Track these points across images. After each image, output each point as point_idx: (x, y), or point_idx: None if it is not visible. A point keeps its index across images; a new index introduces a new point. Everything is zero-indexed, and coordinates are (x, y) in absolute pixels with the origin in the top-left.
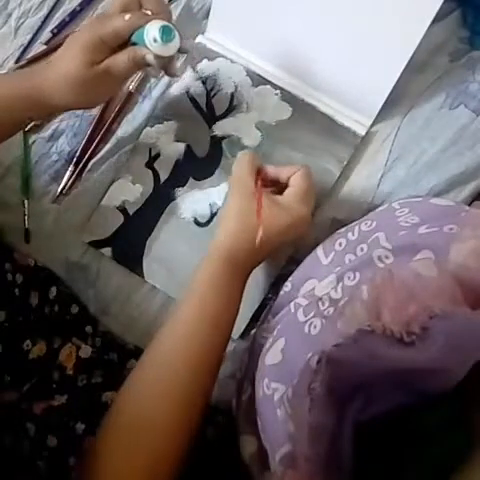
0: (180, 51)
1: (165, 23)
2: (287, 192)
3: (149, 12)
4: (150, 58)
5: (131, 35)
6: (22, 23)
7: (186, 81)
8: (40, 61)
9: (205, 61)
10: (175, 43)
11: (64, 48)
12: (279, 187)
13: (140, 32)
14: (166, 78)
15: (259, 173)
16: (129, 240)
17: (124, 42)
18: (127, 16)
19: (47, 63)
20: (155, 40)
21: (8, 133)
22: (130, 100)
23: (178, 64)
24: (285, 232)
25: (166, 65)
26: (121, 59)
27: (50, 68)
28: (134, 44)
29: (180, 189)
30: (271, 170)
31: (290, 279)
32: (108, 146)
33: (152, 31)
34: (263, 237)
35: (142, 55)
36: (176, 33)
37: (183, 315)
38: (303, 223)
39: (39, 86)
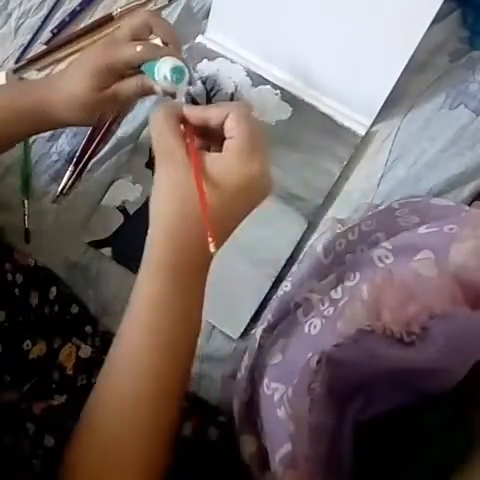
0: (189, 84)
1: (177, 63)
2: (226, 147)
3: (159, 40)
4: (158, 90)
5: (141, 64)
6: (22, 23)
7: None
8: (40, 61)
9: (205, 61)
10: (184, 82)
11: (71, 69)
12: (213, 134)
13: (151, 65)
14: None
15: (185, 125)
16: (129, 240)
17: (133, 68)
18: (139, 47)
19: (49, 79)
20: (165, 78)
21: (2, 147)
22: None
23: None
24: (241, 204)
25: (171, 94)
26: (129, 86)
27: (55, 87)
28: (142, 71)
29: None
30: (198, 115)
31: (290, 279)
32: (108, 146)
33: (163, 69)
34: (215, 227)
35: (150, 85)
36: (186, 73)
37: (126, 343)
38: (261, 181)
39: (40, 102)
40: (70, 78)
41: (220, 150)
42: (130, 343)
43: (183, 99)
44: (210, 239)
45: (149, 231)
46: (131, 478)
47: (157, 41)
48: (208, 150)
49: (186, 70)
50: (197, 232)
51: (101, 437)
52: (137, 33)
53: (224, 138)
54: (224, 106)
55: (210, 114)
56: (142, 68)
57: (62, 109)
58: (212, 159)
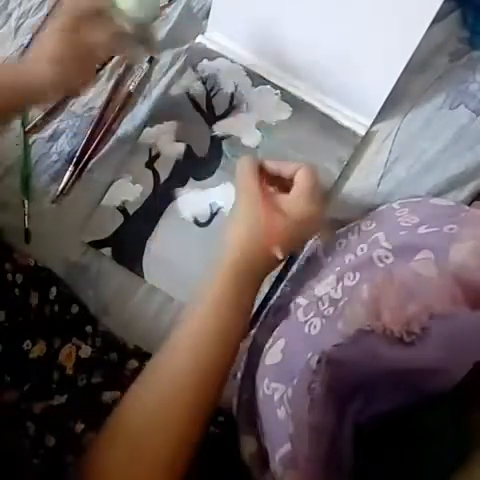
0: (154, 18)
1: None
2: (293, 191)
3: None
4: (126, 26)
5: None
6: (22, 23)
7: (186, 81)
8: None
9: (205, 61)
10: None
11: (44, 32)
12: (284, 183)
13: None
14: (166, 78)
15: (261, 173)
16: (129, 240)
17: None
18: None
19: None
20: (126, 2)
21: None
22: (130, 100)
23: (156, 39)
24: (297, 234)
25: (144, 38)
26: (98, 32)
27: (31, 51)
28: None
29: (180, 189)
30: (273, 167)
31: (290, 279)
32: (108, 146)
33: None
34: (276, 245)
35: (119, 25)
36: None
37: (192, 329)
38: (313, 221)
39: (21, 71)
40: (42, 39)
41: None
42: (188, 332)
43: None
44: (276, 247)
45: (223, 252)
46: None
47: None
48: None
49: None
50: (262, 245)
51: (130, 433)
52: None
53: (290, 182)
54: (297, 163)
55: (285, 167)
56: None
57: (35, 69)
58: (283, 197)
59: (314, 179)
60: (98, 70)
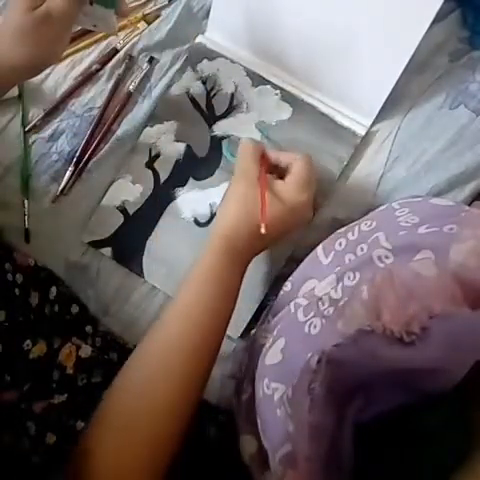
0: None
1: None
2: (287, 179)
3: None
4: None
5: None
6: None
7: (186, 81)
8: None
9: (205, 61)
10: None
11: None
12: (280, 171)
13: None
14: (166, 78)
15: (262, 158)
16: (129, 240)
17: None
18: None
19: None
20: None
21: None
22: (130, 100)
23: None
24: (287, 220)
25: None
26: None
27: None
28: None
29: (180, 189)
30: (273, 155)
31: (290, 279)
32: (108, 146)
33: None
34: (267, 224)
35: None
36: None
37: (182, 302)
38: (304, 210)
39: None
40: (8, 12)
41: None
42: (178, 305)
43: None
44: (263, 224)
45: (215, 227)
46: (145, 458)
47: None
48: None
49: None
50: (254, 226)
51: (123, 413)
52: None
53: (285, 175)
54: (295, 153)
55: (283, 156)
56: None
57: (3, 44)
58: (277, 182)
59: (309, 170)
60: (98, 70)
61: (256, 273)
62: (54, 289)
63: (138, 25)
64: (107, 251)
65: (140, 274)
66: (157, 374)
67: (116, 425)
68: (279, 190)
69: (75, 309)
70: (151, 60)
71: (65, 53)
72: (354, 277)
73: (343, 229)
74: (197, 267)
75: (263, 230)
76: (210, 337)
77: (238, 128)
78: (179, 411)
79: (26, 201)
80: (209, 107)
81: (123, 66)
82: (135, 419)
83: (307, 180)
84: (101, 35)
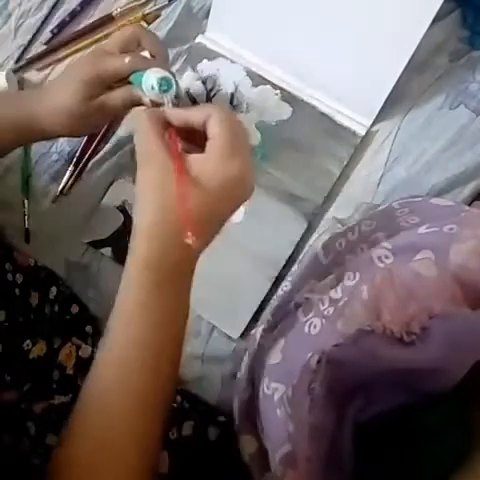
0: (175, 97)
1: (164, 74)
2: (207, 149)
3: (147, 53)
4: (146, 101)
5: (129, 74)
6: (22, 23)
7: (186, 81)
8: (40, 61)
9: (205, 61)
10: (171, 92)
11: (60, 78)
12: (195, 135)
13: (139, 76)
14: None
15: (170, 128)
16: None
17: (121, 79)
18: (127, 59)
19: (40, 90)
20: (152, 88)
21: None
22: None
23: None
24: (221, 209)
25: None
26: (117, 97)
27: (44, 97)
28: (130, 82)
29: None
30: (180, 119)
31: (290, 279)
32: (108, 146)
33: (150, 80)
34: (195, 223)
35: (139, 97)
36: (173, 84)
37: (112, 351)
38: (241, 182)
39: (30, 115)
40: (59, 89)
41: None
42: (109, 353)
43: (170, 105)
44: (189, 233)
45: (132, 231)
46: (121, 476)
47: (145, 54)
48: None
49: (173, 81)
50: (178, 230)
51: (90, 436)
52: (125, 45)
53: (206, 140)
54: (206, 107)
55: (192, 116)
56: (130, 79)
57: (51, 120)
58: (194, 160)
59: (230, 125)
60: None
61: (256, 273)
62: (54, 289)
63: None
64: (107, 251)
65: None
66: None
67: (86, 441)
68: (201, 171)
69: (75, 309)
70: None
71: (65, 53)
72: (354, 277)
73: (343, 229)
74: (120, 305)
75: (189, 241)
76: (154, 381)
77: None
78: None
79: (26, 201)
80: None
81: None
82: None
83: (231, 140)
84: (101, 35)
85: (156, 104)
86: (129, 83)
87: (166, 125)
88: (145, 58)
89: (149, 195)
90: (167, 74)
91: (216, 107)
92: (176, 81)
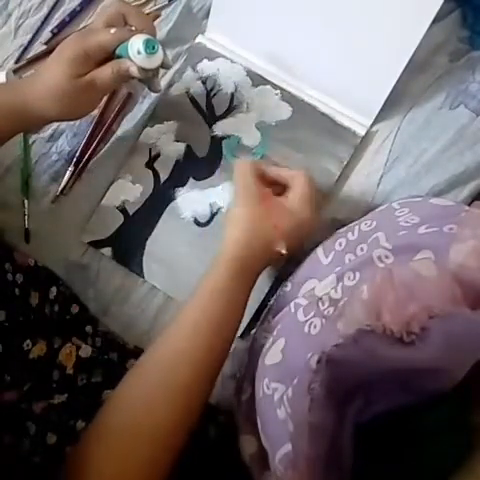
0: (163, 66)
1: (149, 36)
2: (290, 195)
3: (133, 28)
4: (134, 70)
5: (115, 49)
6: (22, 23)
7: (186, 81)
8: (40, 61)
9: (205, 61)
10: (158, 56)
11: (49, 60)
12: (279, 188)
13: (124, 45)
14: (166, 78)
15: (261, 176)
16: (129, 240)
17: (109, 56)
18: (112, 30)
19: (32, 75)
20: (139, 52)
21: None
22: (130, 100)
23: (161, 80)
24: (293, 235)
25: (149, 80)
26: (106, 72)
27: (35, 80)
28: (119, 58)
29: (180, 189)
30: (273, 171)
31: (290, 279)
32: (108, 146)
33: (136, 44)
34: (282, 240)
35: (126, 67)
36: (159, 46)
37: (187, 320)
38: (308, 225)
39: (23, 98)
40: (49, 69)
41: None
42: (183, 322)
43: (160, 79)
44: (281, 241)
45: (222, 248)
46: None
47: (127, 26)
48: None
49: (158, 43)
50: (264, 244)
51: (123, 422)
52: (111, 21)
53: (285, 187)
54: (293, 170)
55: (282, 177)
56: (117, 52)
57: (43, 103)
58: (280, 199)
59: (311, 186)
60: None
61: None
62: (54, 289)
63: None
64: (107, 251)
65: (140, 274)
66: (155, 399)
67: (118, 432)
68: (287, 204)
69: (75, 309)
70: None
71: None
72: (354, 277)
73: (343, 229)
74: (202, 289)
75: (283, 251)
76: (212, 360)
77: (238, 128)
78: (175, 435)
79: (26, 201)
80: (209, 107)
81: None
82: (129, 442)
83: (310, 195)
84: None
85: (144, 70)
86: (117, 57)
87: (260, 174)
88: (130, 29)
89: (244, 220)
90: (151, 37)
91: (302, 170)
92: (162, 47)
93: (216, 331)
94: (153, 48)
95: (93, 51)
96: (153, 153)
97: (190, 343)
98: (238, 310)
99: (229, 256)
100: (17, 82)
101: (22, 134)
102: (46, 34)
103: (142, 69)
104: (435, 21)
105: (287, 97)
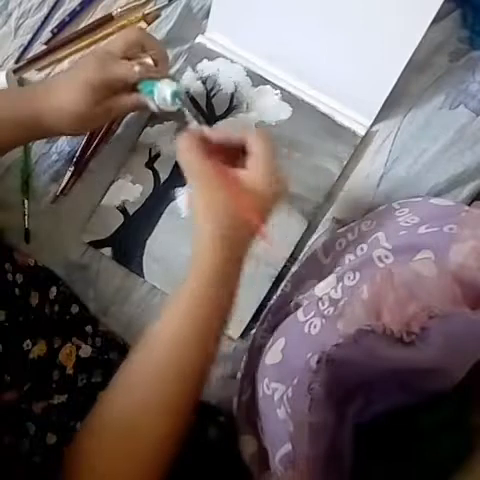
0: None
1: (177, 88)
2: (250, 165)
3: (150, 60)
4: (153, 107)
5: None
6: (22, 23)
7: (186, 81)
8: (40, 61)
9: (205, 61)
10: (180, 104)
11: (67, 78)
12: (233, 152)
13: (148, 84)
14: None
15: (207, 146)
16: (129, 240)
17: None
18: (137, 68)
19: (44, 87)
20: (164, 100)
21: None
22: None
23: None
24: (266, 208)
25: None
26: (124, 103)
27: (52, 97)
28: (138, 89)
29: (180, 189)
30: (221, 137)
31: (290, 279)
32: (108, 146)
33: (164, 91)
34: (258, 217)
35: (144, 102)
36: (183, 96)
37: (186, 303)
38: (279, 192)
39: (35, 112)
40: (66, 91)
41: (239, 163)
42: (171, 321)
43: (193, 122)
44: (257, 222)
45: (193, 246)
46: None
47: (147, 60)
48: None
49: (183, 94)
50: (240, 232)
51: (114, 421)
52: (129, 49)
53: (243, 152)
54: (244, 131)
55: (231, 134)
56: (139, 87)
57: (57, 121)
58: (242, 174)
59: (270, 146)
60: None
61: (256, 273)
62: (54, 289)
63: (138, 25)
64: (107, 251)
65: (140, 274)
66: (145, 399)
67: (111, 429)
68: (248, 183)
69: (75, 309)
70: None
71: (65, 53)
72: (354, 277)
73: (343, 229)
74: (198, 267)
75: (264, 230)
76: (201, 359)
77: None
78: (165, 436)
79: (26, 201)
80: (209, 107)
81: None
82: (121, 442)
83: (272, 160)
84: (101, 35)
85: (162, 110)
86: (135, 90)
87: (205, 142)
88: (153, 67)
89: (207, 212)
90: (178, 87)
91: (255, 129)
92: (187, 91)
93: (215, 313)
94: (180, 100)
95: (115, 83)
96: (153, 153)
97: (178, 348)
98: (234, 286)
99: (210, 237)
100: (26, 92)
101: None
102: (46, 34)
103: (160, 109)
104: (435, 21)
105: (287, 97)
